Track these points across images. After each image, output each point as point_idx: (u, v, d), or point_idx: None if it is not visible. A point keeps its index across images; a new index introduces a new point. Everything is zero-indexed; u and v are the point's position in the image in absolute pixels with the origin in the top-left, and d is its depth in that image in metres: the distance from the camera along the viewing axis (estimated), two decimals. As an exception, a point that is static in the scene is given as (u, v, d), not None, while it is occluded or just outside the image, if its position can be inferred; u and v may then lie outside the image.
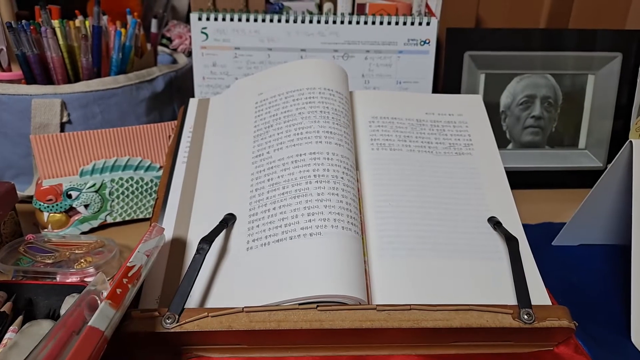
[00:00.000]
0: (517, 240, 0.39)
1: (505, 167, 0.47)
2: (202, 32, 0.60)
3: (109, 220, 0.52)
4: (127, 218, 0.53)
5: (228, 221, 0.40)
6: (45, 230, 0.50)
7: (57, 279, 0.42)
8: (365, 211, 0.42)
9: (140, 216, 0.53)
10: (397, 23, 0.60)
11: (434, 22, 0.60)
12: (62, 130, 0.54)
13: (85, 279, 0.42)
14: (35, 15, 0.57)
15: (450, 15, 0.69)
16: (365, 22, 0.60)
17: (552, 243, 0.50)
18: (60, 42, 0.54)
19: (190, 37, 0.71)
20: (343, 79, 0.49)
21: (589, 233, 0.50)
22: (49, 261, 0.44)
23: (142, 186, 0.52)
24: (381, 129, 0.48)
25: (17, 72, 0.55)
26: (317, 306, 0.33)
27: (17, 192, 0.47)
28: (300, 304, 0.34)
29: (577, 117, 0.63)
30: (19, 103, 0.52)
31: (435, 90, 0.63)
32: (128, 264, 0.33)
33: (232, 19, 0.60)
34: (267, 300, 0.34)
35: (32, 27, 0.52)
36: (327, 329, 0.33)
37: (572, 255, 0.49)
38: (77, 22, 0.56)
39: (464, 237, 0.41)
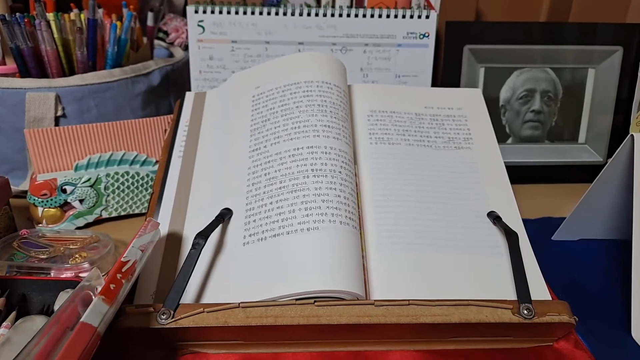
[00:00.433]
0: (516, 235, 0.39)
1: (504, 162, 0.46)
2: (199, 25, 0.59)
3: (105, 215, 0.51)
4: (122, 213, 0.52)
5: (224, 216, 0.39)
6: (40, 225, 0.49)
7: (52, 274, 0.42)
8: (364, 206, 0.41)
9: (136, 211, 0.53)
10: (396, 16, 0.59)
11: (434, 15, 0.60)
12: (56, 124, 0.53)
13: (80, 275, 0.41)
14: (30, 7, 0.57)
15: (449, 8, 0.68)
16: (364, 15, 0.59)
17: (552, 238, 0.50)
18: (55, 35, 0.53)
19: (187, 30, 0.70)
20: (341, 72, 0.48)
21: (589, 228, 0.49)
22: (43, 256, 0.43)
23: (137, 181, 0.52)
24: (380, 122, 0.48)
25: (11, 65, 0.55)
26: (315, 301, 0.33)
27: (12, 186, 0.47)
28: (297, 300, 0.33)
29: (577, 112, 0.63)
30: (13, 97, 0.52)
31: (435, 84, 0.63)
32: (122, 259, 0.32)
33: (229, 12, 0.59)
34: (263, 295, 0.34)
35: (26, 20, 0.52)
36: (325, 325, 0.32)
37: (572, 250, 0.49)
38: (72, 15, 0.55)
39: (463, 232, 0.40)
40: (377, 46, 0.60)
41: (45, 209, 0.49)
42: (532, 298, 0.34)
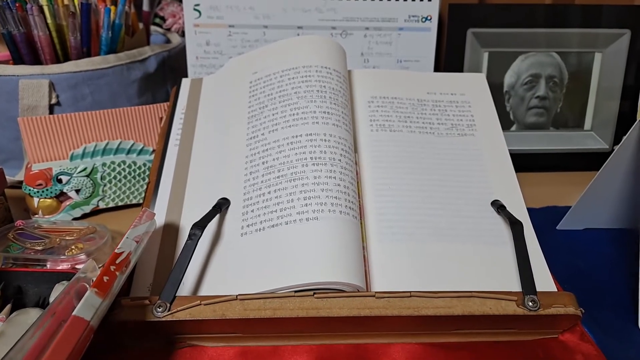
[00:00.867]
0: (521, 224, 0.38)
1: (508, 149, 0.45)
2: (195, 9, 0.58)
3: (102, 205, 0.50)
4: (120, 203, 0.51)
5: (222, 206, 0.38)
6: (36, 216, 0.49)
7: (48, 266, 0.41)
8: (364, 195, 0.40)
9: (134, 201, 0.52)
10: (397, -1, 0.58)
11: (436, -2, 0.58)
12: (51, 112, 0.52)
13: (76, 266, 0.41)
14: (22, -8, 0.55)
15: (452, -9, 0.66)
16: (365, -1, 0.58)
17: (557, 227, 0.49)
18: (48, 20, 0.52)
19: (183, 15, 0.69)
20: (341, 56, 0.47)
21: (595, 217, 0.48)
22: (39, 248, 0.43)
23: (134, 170, 0.51)
24: (381, 109, 0.46)
25: (4, 52, 0.53)
26: (314, 293, 0.32)
27: (7, 177, 0.46)
28: (296, 292, 0.32)
29: (583, 97, 0.61)
30: (5, 84, 0.51)
31: (437, 69, 0.62)
32: (116, 251, 0.32)
33: (226, -4, 0.57)
34: (262, 287, 0.33)
35: (17, 5, 0.51)
36: (324, 317, 0.31)
37: (578, 240, 0.48)
38: (65, -1, 0.54)
39: (467, 221, 0.40)
40: (378, 30, 0.59)
41: (41, 200, 0.48)
42: (537, 289, 0.33)
